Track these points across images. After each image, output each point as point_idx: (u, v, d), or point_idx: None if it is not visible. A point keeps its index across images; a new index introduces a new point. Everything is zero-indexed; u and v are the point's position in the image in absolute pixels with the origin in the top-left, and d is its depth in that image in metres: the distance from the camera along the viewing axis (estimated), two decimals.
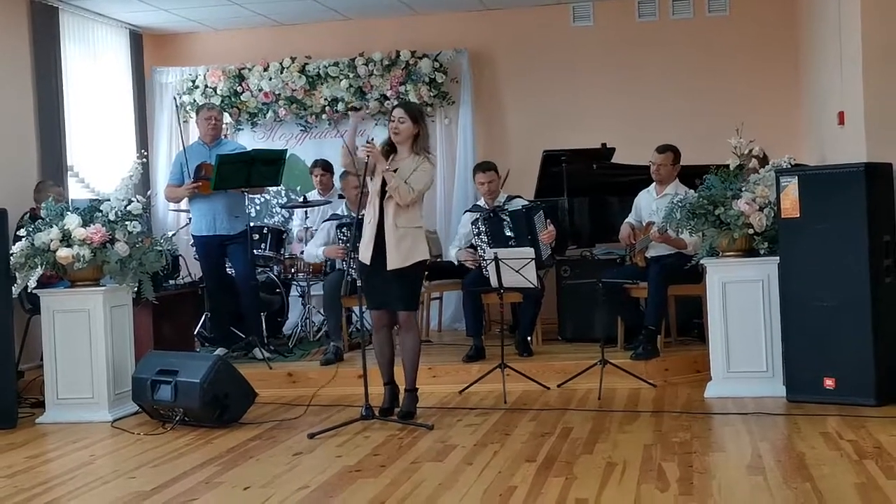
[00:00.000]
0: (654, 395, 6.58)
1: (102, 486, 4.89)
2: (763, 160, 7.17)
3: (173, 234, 9.04)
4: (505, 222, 7.51)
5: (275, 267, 8.61)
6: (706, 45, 9.56)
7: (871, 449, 4.86)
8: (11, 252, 6.49)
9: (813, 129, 8.76)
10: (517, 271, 6.56)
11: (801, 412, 5.80)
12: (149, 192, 7.91)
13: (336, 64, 9.79)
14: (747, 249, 6.43)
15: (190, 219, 8.16)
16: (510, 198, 7.79)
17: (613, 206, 8.28)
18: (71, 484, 4.94)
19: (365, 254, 5.98)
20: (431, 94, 9.70)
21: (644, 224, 7.50)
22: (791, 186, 6.10)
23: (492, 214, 7.58)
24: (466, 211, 7.96)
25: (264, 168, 7.70)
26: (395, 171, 5.93)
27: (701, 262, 6.58)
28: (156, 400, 6.21)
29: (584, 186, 8.37)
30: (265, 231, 8.48)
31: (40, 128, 8.44)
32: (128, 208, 6.68)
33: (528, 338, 7.55)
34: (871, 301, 5.87)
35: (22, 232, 6.63)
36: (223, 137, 8.42)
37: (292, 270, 8.55)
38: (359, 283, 6.10)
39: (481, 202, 7.77)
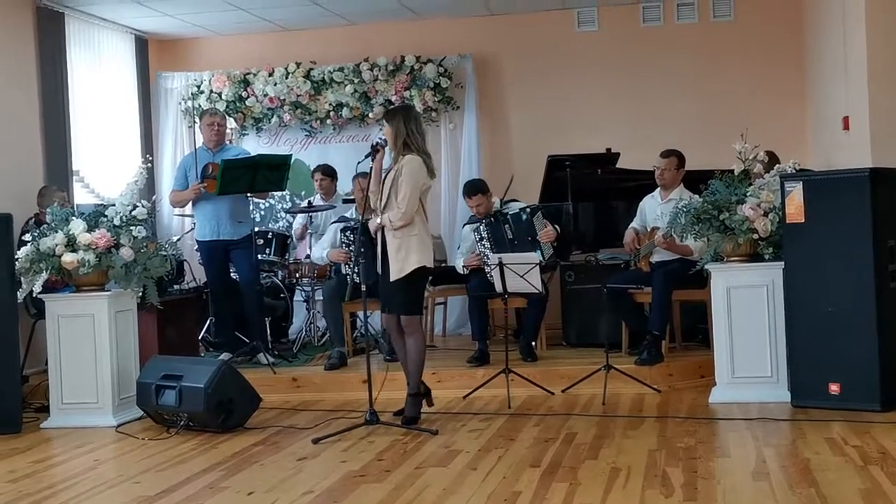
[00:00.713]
0: (659, 400, 6.58)
1: (107, 490, 4.89)
2: (773, 160, 7.18)
3: (178, 239, 9.06)
4: (506, 225, 7.51)
5: (279, 272, 8.62)
6: (711, 51, 9.56)
7: (876, 455, 4.85)
8: (17, 257, 6.49)
9: (818, 134, 8.76)
10: (522, 276, 6.56)
11: (805, 418, 5.79)
12: (154, 197, 7.92)
13: (341, 69, 9.81)
14: (752, 254, 6.42)
15: (194, 224, 8.17)
16: (507, 202, 7.80)
17: (618, 210, 8.29)
18: (75, 489, 4.94)
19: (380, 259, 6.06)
20: (436, 99, 9.71)
21: (649, 229, 7.50)
22: (796, 191, 6.09)
23: (493, 219, 7.58)
24: (466, 223, 7.97)
25: (269, 173, 7.71)
26: (388, 190, 5.94)
27: (705, 267, 6.57)
28: (160, 405, 6.21)
29: (589, 191, 8.37)
30: (269, 236, 8.49)
31: (46, 133, 8.47)
32: (133, 213, 6.68)
33: (533, 343, 7.55)
34: (876, 306, 5.85)
35: (27, 237, 6.63)
36: (227, 143, 8.43)
37: (297, 275, 8.57)
38: (363, 287, 6.10)
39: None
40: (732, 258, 6.45)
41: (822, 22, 8.23)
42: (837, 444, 5.12)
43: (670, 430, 5.63)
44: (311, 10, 9.32)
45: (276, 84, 9.88)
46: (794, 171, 6.43)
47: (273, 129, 10.16)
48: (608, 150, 8.75)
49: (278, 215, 9.98)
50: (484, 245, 7.55)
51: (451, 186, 9.77)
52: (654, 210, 7.51)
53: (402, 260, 5.94)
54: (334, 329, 7.71)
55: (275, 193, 9.33)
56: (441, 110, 9.82)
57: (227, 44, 10.27)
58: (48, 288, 6.71)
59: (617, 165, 8.64)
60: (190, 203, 7.98)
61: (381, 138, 6.08)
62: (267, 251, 8.39)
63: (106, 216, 6.66)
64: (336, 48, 9.96)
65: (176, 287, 8.03)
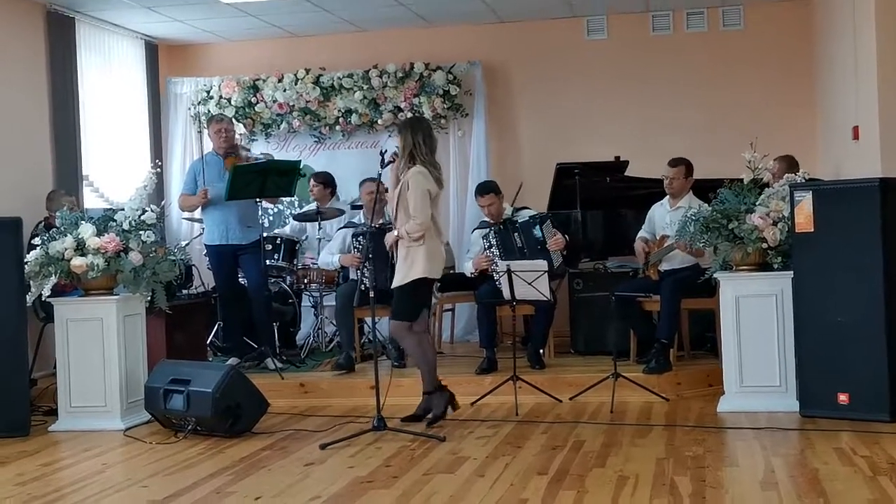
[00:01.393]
0: (667, 408, 6.57)
1: (115, 494, 4.90)
2: (792, 165, 7.18)
3: (187, 244, 9.09)
4: (515, 233, 7.51)
5: (287, 277, 8.62)
6: (720, 59, 9.55)
7: (885, 465, 4.84)
8: (26, 261, 6.51)
9: (827, 143, 8.75)
10: (530, 283, 6.56)
11: (814, 427, 5.77)
12: (163, 202, 7.94)
13: (350, 75, 9.82)
14: (761, 264, 6.41)
15: (203, 229, 8.19)
16: (517, 209, 7.80)
17: (627, 218, 8.28)
18: (83, 492, 4.95)
19: None
20: (445, 106, 9.71)
21: (658, 237, 7.49)
22: (805, 201, 6.08)
23: (502, 227, 7.58)
24: (475, 229, 7.97)
25: (278, 179, 7.72)
26: (396, 204, 6.07)
27: (714, 275, 6.56)
28: (168, 409, 6.21)
29: (598, 199, 8.37)
30: (278, 241, 8.50)
31: (56, 137, 8.49)
32: (142, 218, 6.70)
33: (541, 350, 7.54)
34: (886, 316, 5.84)
35: (36, 241, 6.65)
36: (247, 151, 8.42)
37: (305, 281, 8.57)
38: (371, 293, 6.11)
39: (488, 218, 7.79)
40: (741, 267, 6.44)
41: (831, 31, 8.22)
42: (846, 454, 5.10)
43: (678, 439, 5.62)
44: (321, 16, 9.34)
45: (285, 90, 9.90)
46: (803, 181, 6.42)
47: (282, 135, 10.17)
48: (617, 157, 8.75)
49: (287, 221, 9.98)
50: (493, 252, 7.55)
51: (460, 193, 9.77)
52: (662, 218, 7.50)
53: (407, 268, 6.04)
54: (346, 335, 7.72)
55: (284, 199, 9.34)
56: (450, 117, 9.82)
57: (237, 49, 10.29)
58: (57, 292, 6.72)
59: (626, 173, 8.64)
60: (199, 208, 8.00)
61: (396, 147, 6.19)
62: (275, 256, 8.40)
63: (115, 220, 6.68)
64: (345, 54, 9.97)
65: (184, 292, 8.04)
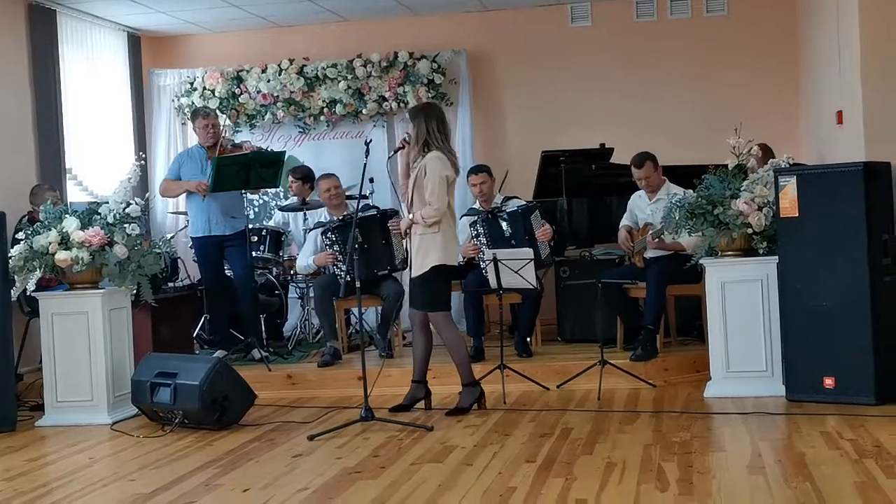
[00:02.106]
0: (654, 395, 6.58)
1: (102, 488, 4.89)
2: (767, 153, 7.17)
3: (172, 237, 9.03)
4: (503, 223, 7.51)
5: (273, 269, 8.60)
6: (704, 46, 9.55)
7: (870, 448, 4.86)
8: (10, 255, 6.48)
9: (811, 128, 8.76)
10: (516, 272, 6.56)
11: (800, 412, 5.80)
12: (147, 195, 7.89)
13: (334, 65, 9.78)
14: (746, 249, 6.42)
15: (188, 221, 8.16)
16: (507, 199, 7.79)
17: (612, 206, 8.28)
18: (70, 486, 4.94)
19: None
20: (430, 95, 9.68)
21: (641, 226, 7.50)
22: (790, 186, 6.10)
23: (489, 216, 7.58)
24: (463, 215, 7.96)
25: (262, 170, 7.69)
26: (412, 189, 6.09)
27: (700, 261, 6.57)
28: (155, 402, 6.20)
29: (583, 187, 8.37)
30: (264, 233, 8.47)
31: (38, 130, 8.44)
32: (126, 211, 6.67)
33: (528, 338, 7.56)
34: (871, 300, 5.87)
35: (20, 235, 6.62)
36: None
37: (291, 272, 8.55)
38: (357, 284, 6.11)
39: (477, 205, 7.79)
40: (727, 253, 6.46)
41: (815, 16, 8.23)
42: (832, 437, 5.13)
43: (665, 425, 5.63)
44: (304, 6, 9.30)
45: (269, 81, 9.85)
46: (787, 166, 6.44)
47: (266, 126, 10.13)
48: (602, 145, 8.75)
49: (272, 212, 9.95)
50: (480, 241, 7.55)
51: None
52: (643, 210, 7.50)
53: (423, 256, 6.07)
54: (327, 325, 7.71)
55: (269, 190, 9.32)
56: None
57: (220, 40, 10.24)
58: (42, 286, 6.70)
59: (611, 161, 8.64)
60: (183, 197, 7.96)
61: (407, 133, 6.19)
62: (261, 248, 8.37)
63: (99, 214, 6.65)
64: (329, 44, 9.93)
65: (170, 284, 8.01)
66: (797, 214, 6.07)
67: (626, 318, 7.54)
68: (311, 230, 8.09)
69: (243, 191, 7.78)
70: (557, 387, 6.85)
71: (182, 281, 8.44)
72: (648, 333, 7.13)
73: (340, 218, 7.52)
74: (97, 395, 6.54)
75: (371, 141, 6.39)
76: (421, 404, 6.35)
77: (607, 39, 9.71)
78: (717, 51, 9.52)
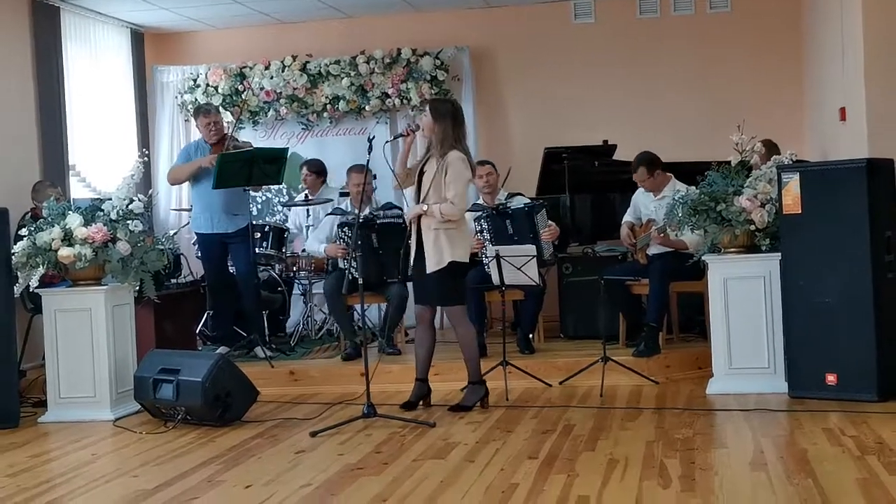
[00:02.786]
0: (656, 391, 6.58)
1: (105, 484, 4.90)
2: (771, 149, 7.15)
3: (175, 233, 9.03)
4: (507, 220, 7.50)
5: (276, 265, 8.60)
6: (708, 42, 9.54)
7: (873, 444, 4.86)
8: (13, 251, 6.49)
9: (815, 125, 8.76)
10: (519, 269, 6.55)
11: (803, 408, 5.79)
12: (150, 192, 7.90)
13: (337, 62, 9.78)
14: (749, 246, 6.42)
15: (191, 217, 8.16)
16: (511, 195, 7.78)
17: (615, 202, 8.27)
18: (73, 483, 4.94)
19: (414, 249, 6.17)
20: (433, 91, 9.68)
21: (644, 222, 7.49)
22: (793, 182, 6.09)
23: (494, 212, 7.57)
24: (467, 210, 7.94)
25: (266, 166, 7.69)
26: (429, 185, 6.04)
27: (703, 258, 6.57)
28: (158, 399, 6.21)
29: (586, 183, 8.37)
30: (267, 229, 8.46)
31: (42, 127, 8.45)
32: (129, 207, 6.67)
33: (530, 335, 7.55)
34: (873, 297, 5.86)
35: (23, 231, 6.63)
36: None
37: (294, 269, 8.54)
38: (360, 280, 6.10)
39: (480, 200, 7.78)
40: (729, 250, 6.45)
41: (819, 13, 8.22)
42: (834, 434, 5.12)
43: (668, 422, 5.63)
44: (307, 3, 9.30)
45: (272, 77, 9.86)
46: (790, 162, 6.43)
47: (269, 123, 10.13)
48: (605, 141, 8.75)
49: (275, 209, 9.96)
50: (483, 237, 7.54)
51: None
52: (647, 206, 7.50)
53: (440, 251, 6.04)
54: (344, 323, 7.70)
55: (272, 187, 9.32)
56: None
57: (223, 37, 10.24)
58: (45, 282, 6.70)
59: (614, 157, 8.64)
60: (187, 193, 7.95)
61: (415, 123, 6.13)
62: (264, 244, 8.37)
63: (102, 210, 6.65)
64: (332, 41, 9.93)
65: (173, 281, 8.01)
66: (800, 211, 6.06)
67: (628, 315, 7.54)
68: (329, 213, 8.06)
69: (246, 187, 7.76)
70: (560, 383, 6.85)
71: (185, 277, 8.44)
72: (651, 330, 7.12)
73: (362, 217, 7.37)
74: (100, 391, 6.55)
75: (374, 137, 6.38)
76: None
77: (610, 36, 9.70)
78: (720, 47, 9.51)
